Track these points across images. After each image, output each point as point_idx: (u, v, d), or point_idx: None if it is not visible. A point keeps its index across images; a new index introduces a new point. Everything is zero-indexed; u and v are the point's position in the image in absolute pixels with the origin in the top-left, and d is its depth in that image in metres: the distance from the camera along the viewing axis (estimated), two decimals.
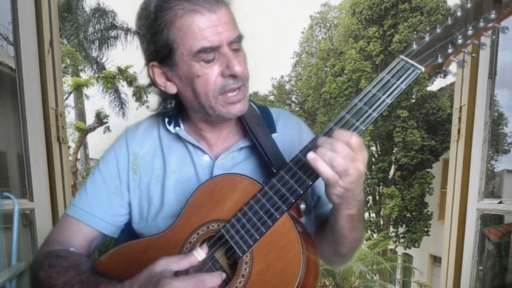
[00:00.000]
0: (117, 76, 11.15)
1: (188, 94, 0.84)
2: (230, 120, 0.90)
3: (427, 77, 11.68)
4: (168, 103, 0.91)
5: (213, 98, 0.82)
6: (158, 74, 0.85)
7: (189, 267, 0.71)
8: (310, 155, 0.69)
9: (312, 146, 0.75)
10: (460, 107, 1.95)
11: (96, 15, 13.98)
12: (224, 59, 0.79)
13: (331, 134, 0.71)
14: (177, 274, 0.71)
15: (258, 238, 0.74)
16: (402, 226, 12.16)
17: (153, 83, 0.88)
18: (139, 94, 11.36)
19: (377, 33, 12.41)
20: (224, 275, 0.71)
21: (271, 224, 0.73)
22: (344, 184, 0.70)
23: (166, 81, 0.86)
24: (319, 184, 0.80)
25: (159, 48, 0.80)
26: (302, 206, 0.77)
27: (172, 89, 0.86)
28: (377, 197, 13.10)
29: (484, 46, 0.71)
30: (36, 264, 0.87)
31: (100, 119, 10.09)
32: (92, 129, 10.33)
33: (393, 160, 12.50)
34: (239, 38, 0.81)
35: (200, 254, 0.71)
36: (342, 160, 0.68)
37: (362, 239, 0.89)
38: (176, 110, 0.92)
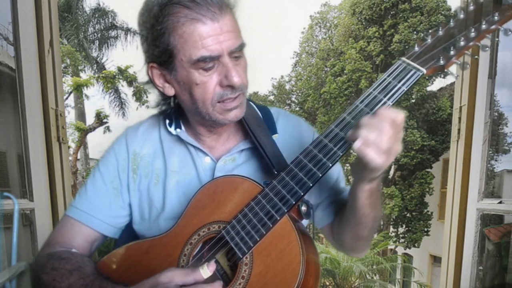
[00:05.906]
0: (117, 76, 11.18)
1: (186, 98, 0.84)
2: (227, 124, 0.89)
3: (427, 77, 11.61)
4: (167, 102, 0.91)
5: (210, 106, 0.81)
6: (157, 75, 0.85)
7: (193, 283, 0.71)
8: (357, 144, 0.67)
9: (313, 148, 0.75)
10: (460, 107, 1.95)
11: (96, 15, 13.99)
12: (223, 68, 0.78)
13: (375, 112, 0.68)
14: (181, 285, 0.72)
15: (258, 239, 0.74)
16: (402, 226, 12.15)
17: (151, 82, 0.88)
18: (139, 94, 11.38)
19: (377, 33, 12.40)
20: (221, 283, 0.72)
21: (271, 225, 0.73)
22: (385, 165, 0.69)
23: (164, 83, 0.85)
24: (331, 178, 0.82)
25: (159, 51, 0.80)
26: (303, 208, 0.76)
27: (170, 91, 0.85)
28: None
29: (487, 49, 0.70)
30: (39, 266, 0.86)
31: (100, 119, 10.10)
32: (92, 129, 10.35)
33: (393, 160, 12.47)
34: (241, 46, 0.80)
35: (206, 272, 0.71)
36: (387, 142, 0.67)
37: (381, 219, 0.88)
38: (177, 111, 0.92)
